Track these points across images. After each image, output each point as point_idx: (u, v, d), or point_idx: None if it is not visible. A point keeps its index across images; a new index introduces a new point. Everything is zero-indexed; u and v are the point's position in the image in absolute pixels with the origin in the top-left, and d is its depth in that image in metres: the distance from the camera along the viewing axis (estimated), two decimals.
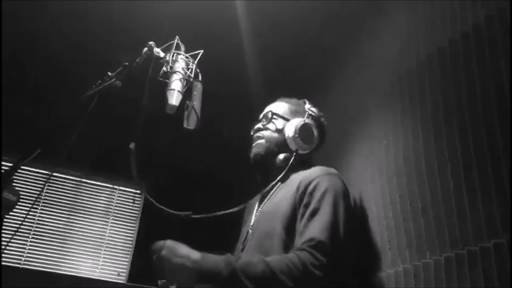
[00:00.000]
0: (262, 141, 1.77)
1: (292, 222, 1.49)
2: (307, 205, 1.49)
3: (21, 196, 1.26)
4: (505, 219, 1.07)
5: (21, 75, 3.00)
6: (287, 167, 1.65)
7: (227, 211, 1.55)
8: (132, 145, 1.55)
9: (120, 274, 3.01)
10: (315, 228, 1.40)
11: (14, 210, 1.25)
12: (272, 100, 1.91)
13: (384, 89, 1.77)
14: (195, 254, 1.35)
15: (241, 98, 2.95)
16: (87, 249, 3.01)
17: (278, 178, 1.64)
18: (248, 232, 1.64)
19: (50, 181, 3.05)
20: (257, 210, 1.74)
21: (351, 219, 1.52)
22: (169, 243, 1.39)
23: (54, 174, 3.06)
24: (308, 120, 1.73)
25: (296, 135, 1.67)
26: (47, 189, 3.03)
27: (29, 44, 2.85)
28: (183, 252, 1.36)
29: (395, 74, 1.69)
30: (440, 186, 1.31)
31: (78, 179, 3.16)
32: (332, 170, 1.63)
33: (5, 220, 1.24)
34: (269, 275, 1.28)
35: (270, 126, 1.78)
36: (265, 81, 2.84)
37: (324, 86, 2.48)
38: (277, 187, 1.69)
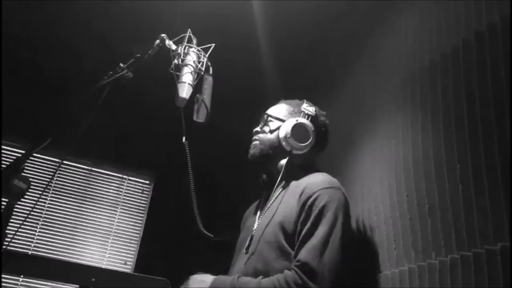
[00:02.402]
0: (257, 142, 1.78)
1: (290, 233, 1.51)
2: (304, 222, 1.49)
3: (32, 184, 1.28)
4: None
5: (35, 64, 3.02)
6: (282, 170, 1.65)
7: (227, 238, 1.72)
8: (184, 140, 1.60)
9: (127, 263, 3.04)
10: (305, 250, 1.42)
11: (25, 197, 1.26)
12: (278, 100, 1.90)
13: (395, 88, 1.76)
14: (208, 279, 1.49)
15: (252, 93, 2.95)
16: (95, 237, 3.04)
17: (276, 184, 1.66)
18: (252, 236, 1.63)
19: (60, 169, 3.08)
20: (260, 212, 1.74)
21: (349, 234, 1.52)
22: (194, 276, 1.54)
23: (65, 162, 3.09)
24: (302, 120, 1.69)
25: (289, 136, 1.65)
26: (57, 177, 3.07)
27: (43, 32, 2.87)
28: (201, 278, 1.51)
29: (407, 73, 1.68)
30: (448, 188, 1.30)
31: (88, 168, 3.18)
32: (334, 182, 1.60)
33: (15, 207, 1.25)
34: None
35: (266, 128, 1.78)
36: (277, 78, 2.84)
37: (335, 84, 2.47)
38: (279, 192, 1.68)
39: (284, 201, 1.60)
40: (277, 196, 1.66)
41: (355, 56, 2.31)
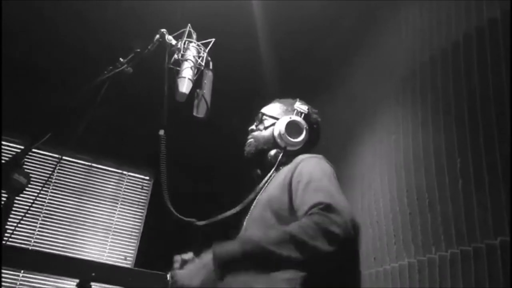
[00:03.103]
0: (252, 140, 1.82)
1: (281, 207, 1.49)
2: (298, 182, 1.48)
3: (32, 179, 1.28)
4: None
5: (34, 59, 3.02)
6: (276, 164, 1.67)
7: (227, 214, 1.56)
8: (161, 132, 1.56)
9: (127, 258, 3.05)
10: (315, 195, 1.37)
11: (24, 192, 1.26)
12: (279, 94, 1.92)
13: (395, 83, 1.76)
14: (204, 259, 1.34)
15: (251, 89, 2.95)
16: (95, 232, 3.05)
17: (269, 174, 1.65)
18: (244, 223, 1.65)
19: (60, 164, 3.08)
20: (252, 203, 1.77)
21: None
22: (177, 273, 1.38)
23: (65, 157, 3.09)
24: (295, 117, 1.74)
25: (283, 132, 1.70)
26: (57, 172, 3.07)
27: (42, 27, 2.86)
28: (190, 267, 1.36)
29: (408, 68, 1.68)
30: (449, 183, 1.30)
31: (88, 163, 3.19)
32: (318, 155, 1.64)
33: (15, 202, 1.26)
34: (288, 237, 1.22)
35: (260, 126, 1.83)
36: (276, 74, 2.83)
37: (335, 81, 2.47)
38: (269, 182, 1.71)
39: (272, 183, 1.63)
40: (268, 183, 1.69)
41: (356, 52, 2.31)
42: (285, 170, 1.61)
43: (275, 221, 1.45)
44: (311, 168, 1.51)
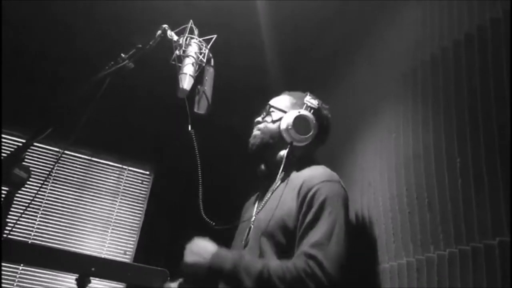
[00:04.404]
0: (258, 132, 1.78)
1: (290, 228, 1.50)
2: (305, 215, 1.49)
3: (32, 173, 1.28)
4: None
5: (35, 53, 3.02)
6: (283, 162, 1.65)
7: (244, 219, 1.72)
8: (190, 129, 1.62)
9: (127, 253, 3.06)
10: (309, 243, 1.42)
11: (25, 186, 1.27)
12: (281, 91, 1.90)
13: (396, 82, 1.76)
14: (208, 251, 1.48)
15: (253, 86, 2.95)
16: (95, 227, 3.06)
17: (278, 176, 1.65)
18: (250, 228, 1.64)
19: (61, 159, 3.08)
20: (258, 204, 1.75)
21: (349, 227, 1.52)
22: (193, 242, 1.54)
23: (65, 152, 3.10)
24: (304, 112, 1.70)
25: (290, 127, 1.65)
26: (57, 167, 3.07)
27: (43, 21, 2.86)
28: (199, 249, 1.50)
29: (409, 67, 1.67)
30: (448, 182, 1.30)
31: (88, 158, 3.19)
32: (333, 175, 1.61)
33: (15, 196, 1.26)
34: (266, 276, 1.37)
35: (268, 118, 1.78)
36: (279, 70, 2.83)
37: (336, 79, 2.47)
38: (279, 184, 1.68)
39: (284, 195, 1.60)
40: (276, 188, 1.66)
41: (357, 50, 2.30)
42: (297, 182, 1.59)
43: (285, 245, 1.50)
44: (323, 201, 1.50)
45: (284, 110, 1.75)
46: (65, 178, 3.09)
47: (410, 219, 1.45)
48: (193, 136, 1.65)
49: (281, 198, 1.60)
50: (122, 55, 1.49)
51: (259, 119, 1.81)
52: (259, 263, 1.42)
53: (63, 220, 2.99)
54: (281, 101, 1.82)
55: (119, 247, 3.07)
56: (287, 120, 1.67)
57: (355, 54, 2.32)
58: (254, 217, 1.66)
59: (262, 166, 1.80)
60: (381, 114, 1.83)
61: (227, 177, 3.16)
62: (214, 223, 1.59)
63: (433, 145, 1.41)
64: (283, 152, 1.67)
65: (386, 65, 1.93)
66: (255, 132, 1.79)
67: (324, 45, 2.68)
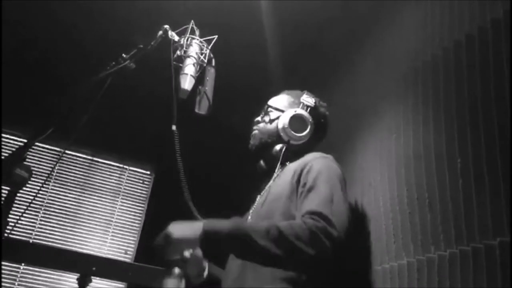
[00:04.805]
0: (256, 132, 1.81)
1: (288, 206, 1.50)
2: (304, 185, 1.50)
3: (33, 173, 1.28)
4: None
5: (36, 53, 3.02)
6: (280, 159, 1.68)
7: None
8: (173, 128, 1.58)
9: (127, 252, 3.06)
10: (313, 202, 1.40)
11: (26, 186, 1.27)
12: (281, 91, 1.91)
13: (397, 82, 1.76)
14: (196, 224, 1.33)
15: (254, 86, 2.95)
16: (96, 226, 3.06)
17: (275, 172, 1.67)
18: (249, 217, 1.66)
19: (62, 158, 3.09)
20: (258, 197, 1.77)
21: (347, 196, 1.52)
22: (173, 224, 1.37)
23: (66, 152, 3.10)
24: (301, 111, 1.72)
25: (286, 126, 1.69)
26: (58, 166, 3.08)
27: (43, 21, 2.86)
28: (184, 224, 1.36)
29: (410, 67, 1.67)
30: (449, 182, 1.30)
31: (90, 157, 3.20)
32: (327, 155, 1.65)
33: (17, 195, 1.26)
34: (274, 232, 1.26)
35: (266, 118, 1.81)
36: (279, 70, 2.84)
37: (337, 78, 2.47)
38: (276, 175, 1.71)
39: (280, 179, 1.63)
40: (274, 179, 1.70)
41: (357, 50, 2.30)
42: (293, 167, 1.62)
43: (283, 220, 1.47)
44: (318, 171, 1.51)
45: (282, 110, 1.79)
46: (66, 178, 3.09)
47: (411, 220, 1.45)
48: (176, 136, 1.64)
49: (277, 183, 1.63)
50: (124, 55, 1.50)
51: (258, 118, 1.84)
52: (264, 222, 1.36)
53: (64, 219, 2.99)
54: (279, 100, 1.85)
55: (120, 247, 3.07)
56: (284, 119, 1.71)
57: (356, 54, 2.32)
58: (252, 210, 1.68)
59: (261, 162, 1.83)
60: (382, 114, 1.83)
61: (227, 177, 3.16)
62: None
63: (434, 145, 1.41)
64: (278, 147, 1.70)
65: (386, 65, 1.93)
66: (254, 132, 1.82)
67: (325, 45, 2.68)
